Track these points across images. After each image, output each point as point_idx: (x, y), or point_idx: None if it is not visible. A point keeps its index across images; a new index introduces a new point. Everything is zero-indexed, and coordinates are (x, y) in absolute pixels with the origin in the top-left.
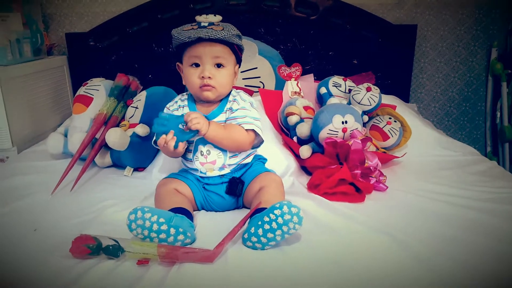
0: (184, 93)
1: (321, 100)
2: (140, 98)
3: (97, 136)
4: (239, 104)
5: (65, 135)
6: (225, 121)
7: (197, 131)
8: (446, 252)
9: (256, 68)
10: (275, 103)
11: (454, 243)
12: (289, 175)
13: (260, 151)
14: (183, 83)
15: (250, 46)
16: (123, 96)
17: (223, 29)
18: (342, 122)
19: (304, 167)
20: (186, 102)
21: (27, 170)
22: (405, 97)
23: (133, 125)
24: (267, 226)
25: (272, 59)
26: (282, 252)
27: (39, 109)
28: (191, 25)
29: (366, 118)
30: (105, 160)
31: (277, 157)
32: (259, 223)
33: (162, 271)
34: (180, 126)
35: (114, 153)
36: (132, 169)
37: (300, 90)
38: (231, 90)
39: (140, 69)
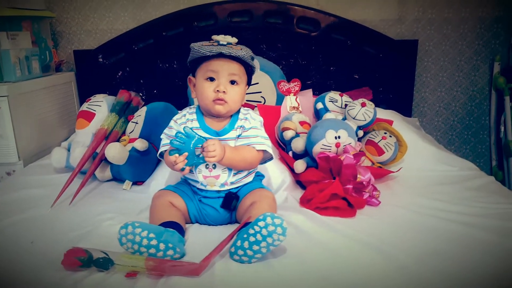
0: (192, 106)
1: (318, 115)
2: (140, 114)
3: (98, 150)
4: (251, 123)
5: (69, 150)
6: (236, 138)
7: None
8: (433, 264)
9: (258, 83)
10: (273, 118)
11: (442, 257)
12: (283, 190)
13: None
14: (192, 96)
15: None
16: (124, 112)
17: (241, 49)
18: (335, 137)
19: (300, 181)
20: (194, 116)
21: (31, 184)
22: (407, 112)
23: (132, 140)
24: (252, 239)
25: (273, 75)
26: (268, 266)
27: (46, 124)
28: (210, 42)
29: (361, 133)
30: (105, 174)
31: (272, 171)
32: (245, 236)
33: (149, 284)
34: (196, 148)
35: (114, 167)
36: (131, 183)
37: (298, 105)
38: (240, 108)
39: (146, 84)
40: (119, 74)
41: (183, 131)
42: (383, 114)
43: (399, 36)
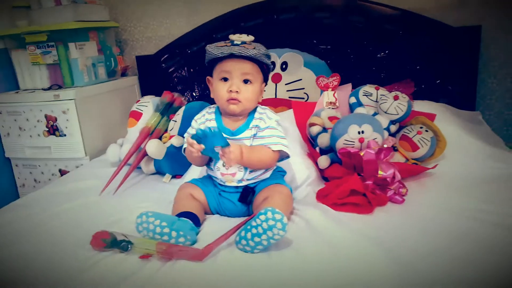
0: (212, 106)
1: (352, 110)
2: (179, 113)
3: (143, 146)
4: (266, 123)
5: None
6: (251, 137)
7: None
8: (443, 268)
9: (301, 79)
10: (307, 114)
11: (457, 260)
12: (306, 185)
13: (284, 162)
14: (211, 96)
15: (295, 58)
16: (167, 111)
17: (254, 48)
18: (359, 132)
19: (326, 177)
20: (213, 116)
21: (90, 176)
22: (470, 105)
23: (172, 137)
24: (254, 230)
25: (317, 70)
26: (269, 257)
27: (111, 123)
28: (225, 42)
29: (393, 128)
30: (149, 168)
31: (299, 167)
32: (248, 227)
33: (158, 265)
34: (216, 147)
35: (156, 161)
36: (170, 176)
37: (336, 100)
38: (257, 107)
39: (199, 85)
40: (176, 75)
41: (207, 130)
42: (431, 107)
43: (461, 23)
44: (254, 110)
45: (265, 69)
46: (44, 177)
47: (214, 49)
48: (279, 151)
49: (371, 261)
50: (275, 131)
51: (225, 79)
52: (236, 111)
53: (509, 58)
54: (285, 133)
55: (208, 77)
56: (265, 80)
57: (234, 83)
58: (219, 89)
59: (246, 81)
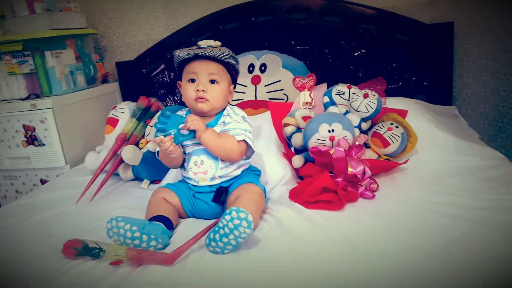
0: (184, 109)
1: (326, 109)
2: (156, 118)
3: (119, 152)
4: (232, 118)
5: None
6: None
7: (194, 133)
8: (408, 264)
9: (280, 81)
10: (283, 114)
11: (423, 256)
12: (281, 185)
13: (260, 161)
14: (183, 99)
15: (274, 59)
16: (144, 116)
17: (219, 50)
18: (329, 131)
19: (301, 176)
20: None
21: (67, 184)
22: (447, 100)
23: (149, 142)
24: (222, 231)
25: (296, 71)
26: (240, 257)
27: (92, 130)
28: (192, 48)
29: (365, 125)
30: (127, 174)
31: (273, 166)
32: (216, 229)
33: (127, 271)
34: (181, 126)
35: (134, 167)
36: (148, 182)
37: (312, 100)
38: (226, 106)
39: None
40: (157, 80)
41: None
42: (406, 103)
43: (434, 20)
44: (224, 109)
45: (231, 70)
46: (26, 188)
47: (180, 52)
48: (246, 144)
49: (339, 258)
50: (239, 124)
51: (193, 80)
52: (205, 110)
53: (482, 53)
54: (261, 133)
55: (178, 81)
56: (234, 81)
57: (201, 82)
58: (187, 90)
59: (213, 82)
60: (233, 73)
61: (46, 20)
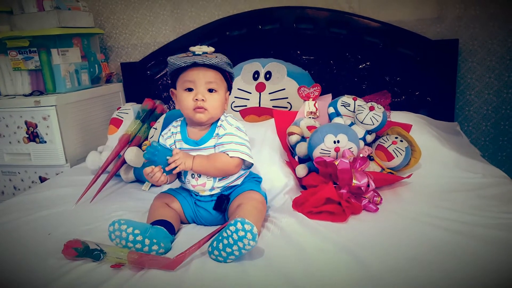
0: (178, 119)
1: (331, 120)
2: (160, 120)
3: (122, 153)
4: (225, 129)
5: None
6: (215, 146)
7: None
8: (410, 277)
9: (284, 89)
10: (287, 123)
11: (418, 266)
12: (284, 193)
13: (262, 168)
14: (176, 107)
15: (279, 68)
16: (148, 118)
17: (216, 57)
18: (334, 142)
19: (304, 186)
20: (178, 129)
21: (68, 183)
22: (449, 116)
23: None
24: (225, 241)
25: (300, 80)
26: (242, 266)
27: (94, 130)
28: (186, 54)
29: (369, 137)
30: (129, 176)
31: (277, 175)
32: (220, 238)
33: (128, 275)
34: (168, 157)
35: (136, 169)
36: (149, 184)
37: (316, 110)
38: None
39: None
40: (161, 82)
41: (154, 145)
42: (409, 118)
43: (439, 36)
44: (218, 119)
45: (228, 77)
46: (24, 185)
47: (176, 59)
48: (240, 158)
49: (342, 270)
50: (233, 138)
51: (190, 89)
52: (203, 120)
53: (486, 71)
54: (265, 140)
55: (171, 89)
56: (229, 88)
57: (199, 91)
58: (184, 99)
59: (210, 90)
60: (229, 81)
61: (54, 18)
